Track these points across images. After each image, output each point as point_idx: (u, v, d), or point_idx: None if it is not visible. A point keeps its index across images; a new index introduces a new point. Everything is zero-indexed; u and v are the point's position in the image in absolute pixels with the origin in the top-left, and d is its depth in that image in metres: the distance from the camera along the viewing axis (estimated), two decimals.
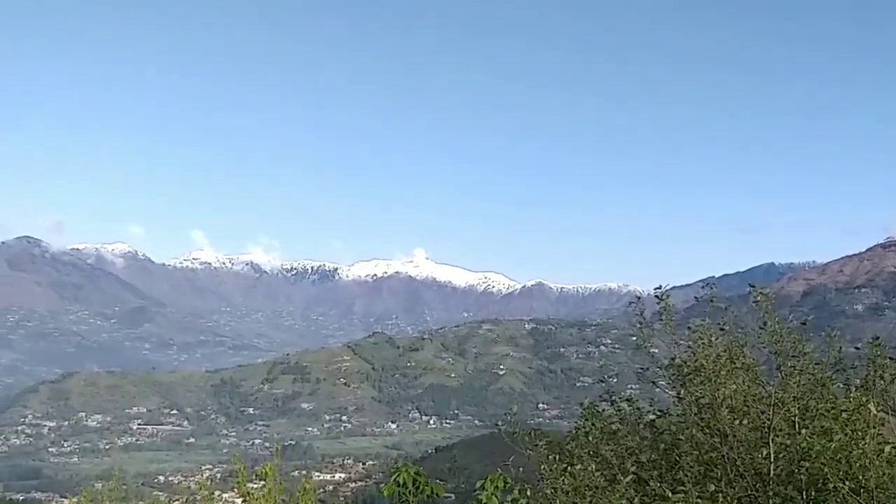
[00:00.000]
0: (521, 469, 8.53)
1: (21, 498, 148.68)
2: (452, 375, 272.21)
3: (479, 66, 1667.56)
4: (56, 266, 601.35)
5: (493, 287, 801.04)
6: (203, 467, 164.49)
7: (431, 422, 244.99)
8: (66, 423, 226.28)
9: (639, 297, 9.57)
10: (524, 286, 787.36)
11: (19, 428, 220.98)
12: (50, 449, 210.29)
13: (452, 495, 10.01)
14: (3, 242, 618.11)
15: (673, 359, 8.43)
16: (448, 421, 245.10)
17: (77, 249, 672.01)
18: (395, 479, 8.64)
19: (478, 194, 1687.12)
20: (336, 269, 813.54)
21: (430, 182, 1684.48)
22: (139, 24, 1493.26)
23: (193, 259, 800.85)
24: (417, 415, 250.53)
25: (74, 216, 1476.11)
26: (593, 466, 7.61)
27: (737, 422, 7.57)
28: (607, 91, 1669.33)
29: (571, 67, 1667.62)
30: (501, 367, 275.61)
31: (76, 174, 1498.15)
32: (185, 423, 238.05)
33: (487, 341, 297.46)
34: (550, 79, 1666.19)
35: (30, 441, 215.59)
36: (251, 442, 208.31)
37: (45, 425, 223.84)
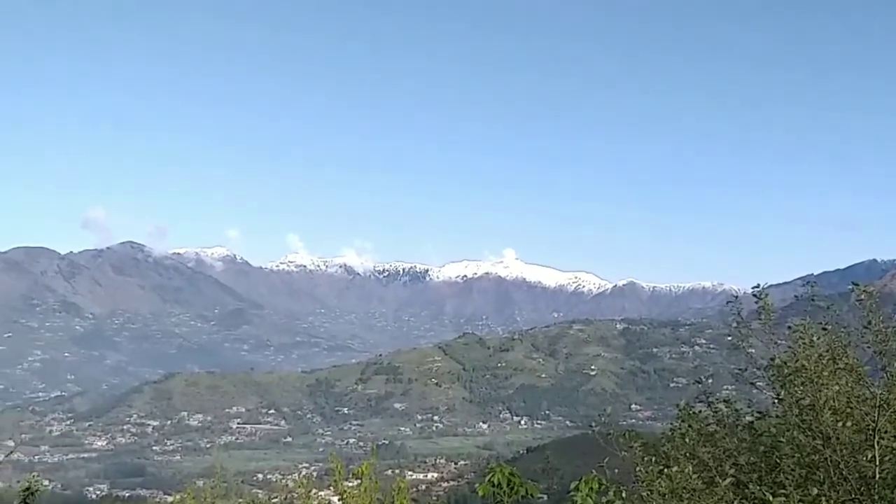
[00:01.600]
0: (615, 471, 8.46)
1: (126, 495, 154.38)
2: (543, 376, 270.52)
3: (569, 66, 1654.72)
4: (158, 270, 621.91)
5: (584, 287, 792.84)
6: (300, 465, 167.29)
7: (522, 422, 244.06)
8: (169, 422, 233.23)
9: (736, 296, 9.37)
10: (615, 286, 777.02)
11: (124, 427, 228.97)
12: (153, 447, 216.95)
13: (546, 496, 9.98)
14: (108, 248, 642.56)
15: (772, 359, 8.23)
16: (539, 421, 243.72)
17: (178, 254, 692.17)
18: (489, 480, 8.68)
19: (567, 193, 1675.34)
20: (427, 271, 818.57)
21: (520, 182, 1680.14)
22: (242, 29, 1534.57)
23: (289, 262, 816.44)
24: (508, 415, 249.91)
25: (176, 222, 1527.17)
26: (690, 469, 7.49)
27: (840, 424, 7.35)
28: (702, 89, 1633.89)
29: (666, 67, 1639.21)
30: (593, 367, 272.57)
31: (178, 181, 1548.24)
32: (283, 422, 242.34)
33: (578, 342, 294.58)
34: (644, 79, 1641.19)
35: (134, 439, 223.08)
36: (346, 441, 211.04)
37: (148, 424, 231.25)
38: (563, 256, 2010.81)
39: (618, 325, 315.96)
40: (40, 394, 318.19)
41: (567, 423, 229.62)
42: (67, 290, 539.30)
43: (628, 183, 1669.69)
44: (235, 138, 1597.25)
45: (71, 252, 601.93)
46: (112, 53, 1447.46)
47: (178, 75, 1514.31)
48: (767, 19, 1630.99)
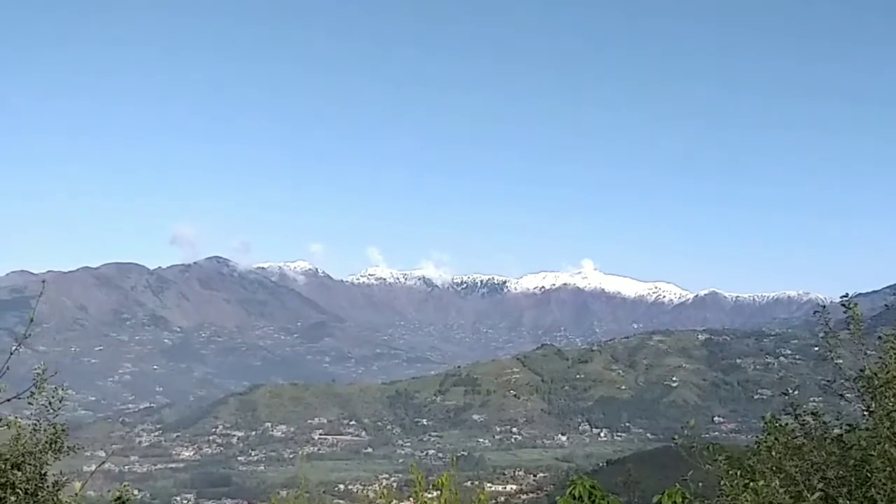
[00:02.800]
0: (699, 485, 8.33)
1: None
2: (623, 387, 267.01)
3: (646, 72, 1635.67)
4: (243, 284, 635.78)
5: (664, 297, 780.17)
6: (380, 476, 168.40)
7: (602, 434, 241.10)
8: (254, 432, 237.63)
9: (823, 306, 9.13)
10: (696, 295, 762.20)
11: (210, 437, 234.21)
12: (238, 457, 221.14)
13: None
14: (195, 263, 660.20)
15: (862, 370, 8.01)
16: (619, 434, 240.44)
17: (262, 268, 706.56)
18: (570, 492, 8.63)
19: (646, 203, 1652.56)
20: (505, 282, 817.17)
21: (598, 192, 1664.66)
22: (327, 47, 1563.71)
23: (369, 275, 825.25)
24: (588, 427, 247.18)
25: (260, 236, 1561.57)
26: (777, 483, 7.33)
27: None
28: (783, 91, 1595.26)
29: (752, 67, 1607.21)
30: (674, 378, 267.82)
31: (262, 196, 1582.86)
32: (363, 433, 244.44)
33: (659, 353, 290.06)
34: (727, 79, 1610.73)
35: (220, 450, 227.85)
36: (425, 452, 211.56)
37: (234, 435, 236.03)
38: (642, 267, 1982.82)
39: (700, 336, 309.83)
40: (130, 405, 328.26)
41: (648, 435, 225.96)
42: (156, 304, 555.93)
43: (709, 191, 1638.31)
44: (319, 155, 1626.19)
45: (160, 267, 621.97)
46: (195, 71, 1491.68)
47: (263, 94, 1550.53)
48: (860, 18, 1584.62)
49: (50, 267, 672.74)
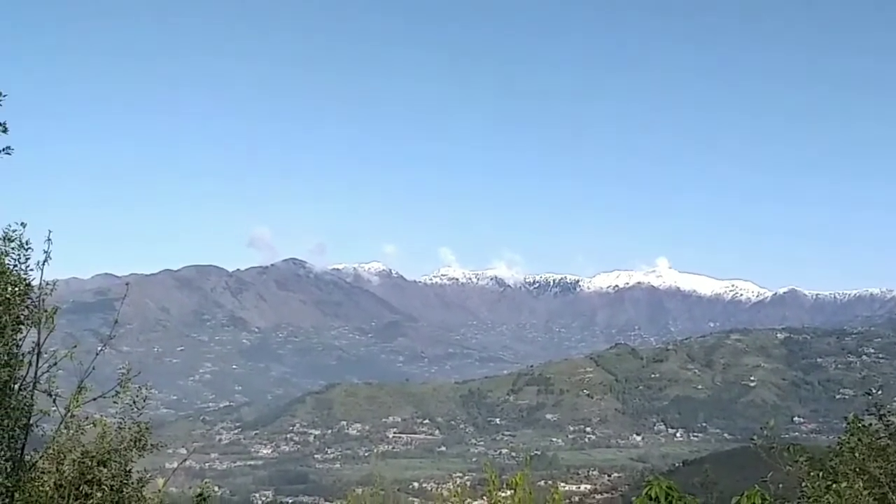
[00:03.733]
0: (779, 486, 8.16)
1: (290, 501, 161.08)
2: (699, 387, 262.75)
3: (730, 65, 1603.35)
4: (319, 285, 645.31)
5: (742, 295, 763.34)
6: (454, 475, 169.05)
7: (678, 434, 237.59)
8: (330, 431, 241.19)
9: None
10: (775, 293, 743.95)
11: (288, 436, 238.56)
12: (315, 455, 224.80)
13: None
14: (272, 265, 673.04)
15: None
16: (695, 434, 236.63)
17: (337, 269, 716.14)
18: (646, 493, 8.54)
19: (723, 200, 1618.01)
20: (577, 282, 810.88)
21: (673, 190, 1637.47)
22: (396, 52, 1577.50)
23: (442, 275, 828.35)
24: (663, 427, 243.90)
25: (334, 238, 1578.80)
26: (861, 485, 7.15)
27: None
28: (864, 86, 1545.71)
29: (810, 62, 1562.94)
30: (752, 378, 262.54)
31: (337, 199, 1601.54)
32: (437, 431, 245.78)
33: (736, 352, 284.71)
34: (802, 77, 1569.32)
35: (298, 448, 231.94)
36: (498, 451, 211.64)
37: (310, 433, 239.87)
38: (718, 265, 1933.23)
39: (778, 335, 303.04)
40: (210, 404, 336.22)
41: (725, 435, 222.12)
42: (235, 305, 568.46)
43: (787, 187, 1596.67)
44: (391, 157, 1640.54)
45: (238, 269, 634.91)
46: (275, 79, 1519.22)
47: (339, 97, 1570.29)
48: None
49: (133, 270, 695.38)
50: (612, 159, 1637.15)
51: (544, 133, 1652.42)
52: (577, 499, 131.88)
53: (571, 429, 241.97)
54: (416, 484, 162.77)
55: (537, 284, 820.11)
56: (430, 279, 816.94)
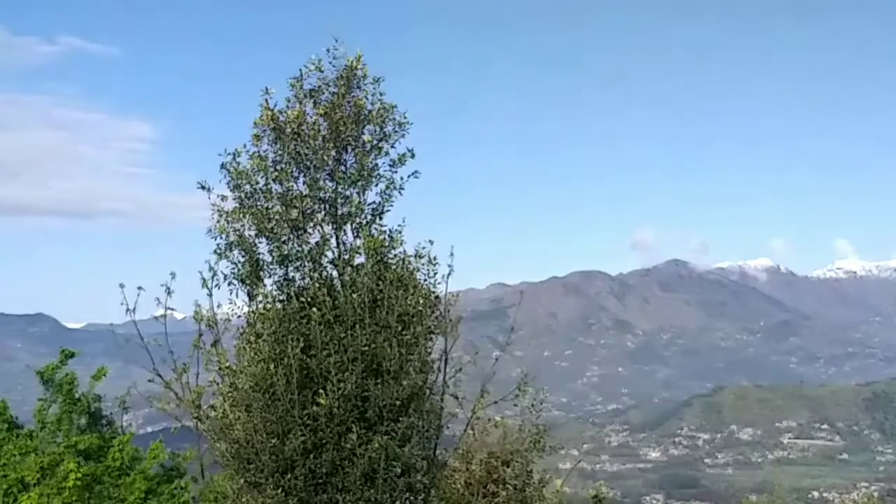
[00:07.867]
0: None
1: None
2: None
3: None
4: (702, 285, 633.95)
5: None
6: (858, 485, 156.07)
7: None
8: (719, 435, 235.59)
9: None
10: None
11: (676, 439, 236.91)
12: (705, 460, 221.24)
13: None
14: (654, 267, 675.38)
15: None
16: None
17: (721, 268, 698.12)
18: None
19: None
20: None
21: None
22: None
23: (837, 269, 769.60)
24: None
25: (718, 236, 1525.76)
26: None
27: None
28: None
29: None
30: None
31: (718, 195, 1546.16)
32: (837, 437, 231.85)
33: None
34: None
35: (686, 452, 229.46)
36: None
37: (699, 437, 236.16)
38: None
39: None
40: (598, 406, 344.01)
41: None
42: (619, 308, 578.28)
43: None
44: (778, 136, 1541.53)
45: (621, 273, 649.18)
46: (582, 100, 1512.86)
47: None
48: None
49: (523, 278, 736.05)
50: None
51: None
52: None
53: None
54: (815, 493, 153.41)
55: None
56: (824, 273, 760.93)
